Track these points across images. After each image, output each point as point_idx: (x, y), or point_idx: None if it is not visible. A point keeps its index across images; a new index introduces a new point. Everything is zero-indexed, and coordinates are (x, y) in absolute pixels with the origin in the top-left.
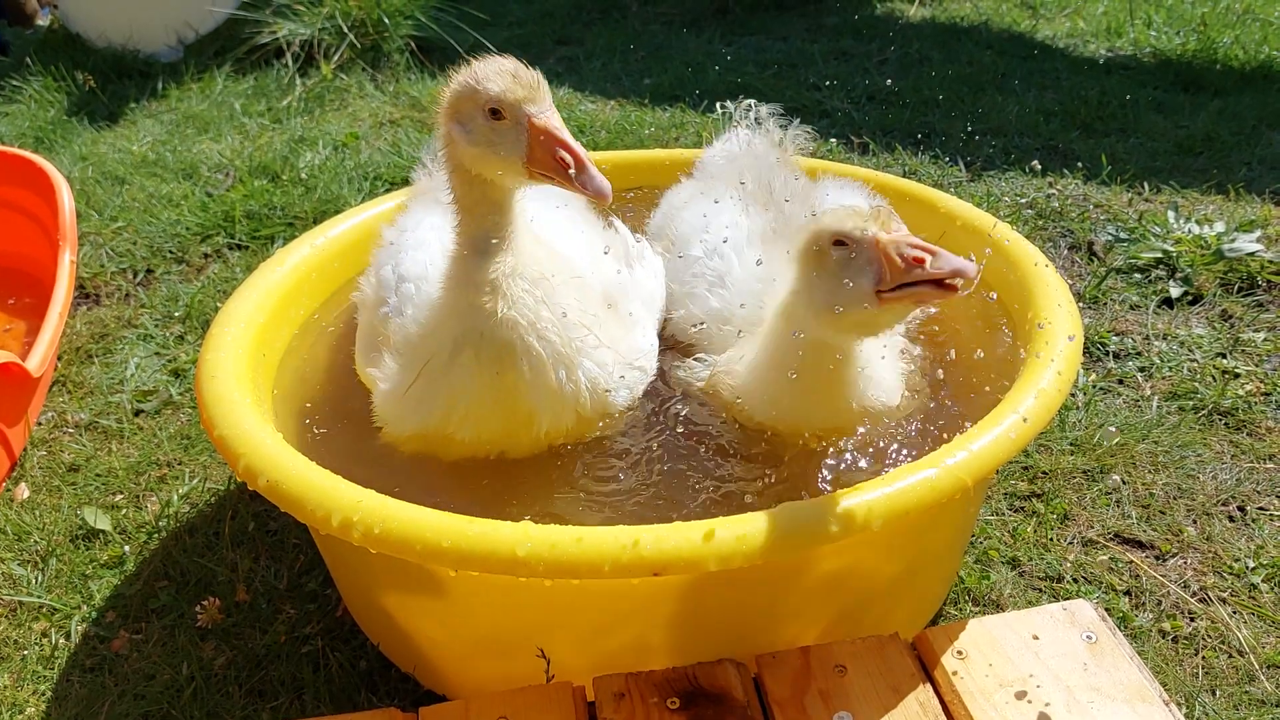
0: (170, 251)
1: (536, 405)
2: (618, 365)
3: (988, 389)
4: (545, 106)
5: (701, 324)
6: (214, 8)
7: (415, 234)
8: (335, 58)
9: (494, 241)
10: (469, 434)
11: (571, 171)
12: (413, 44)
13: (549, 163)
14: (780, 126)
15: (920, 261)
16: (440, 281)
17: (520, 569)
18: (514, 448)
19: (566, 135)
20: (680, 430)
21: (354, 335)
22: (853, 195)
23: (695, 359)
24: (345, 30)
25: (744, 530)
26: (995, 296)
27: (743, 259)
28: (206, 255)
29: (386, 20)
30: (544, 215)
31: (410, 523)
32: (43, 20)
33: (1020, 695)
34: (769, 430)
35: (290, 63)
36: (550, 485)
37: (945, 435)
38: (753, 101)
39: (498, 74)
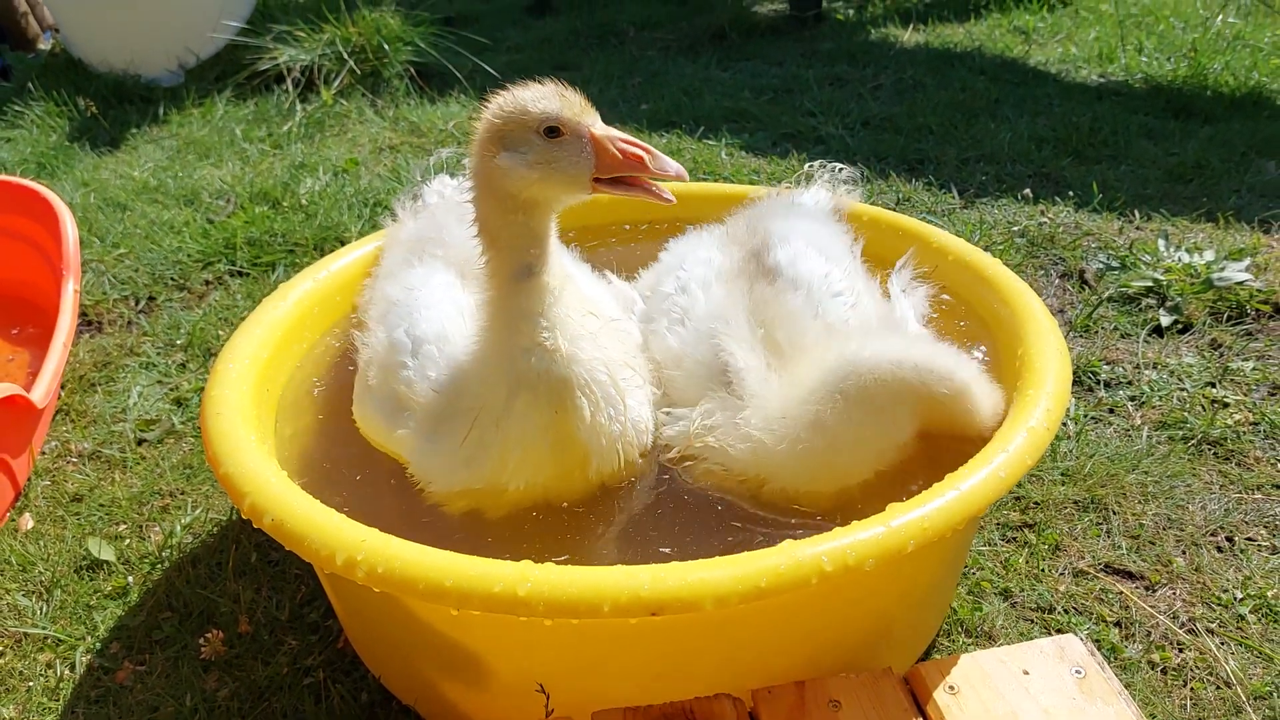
0: (172, 278)
1: (590, 445)
2: (648, 398)
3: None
4: (597, 118)
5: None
6: (214, 33)
7: (424, 293)
8: (335, 83)
9: (536, 271)
10: (522, 482)
11: (647, 160)
12: (412, 70)
13: (620, 163)
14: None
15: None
16: (475, 333)
17: (521, 609)
18: (567, 492)
19: (629, 137)
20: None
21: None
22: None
23: (663, 413)
24: (345, 56)
25: (740, 570)
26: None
27: (709, 295)
28: (208, 282)
29: (386, 46)
30: (572, 270)
31: (413, 563)
32: (44, 44)
33: None
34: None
35: (291, 88)
36: (594, 529)
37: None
38: (838, 165)
39: (548, 95)
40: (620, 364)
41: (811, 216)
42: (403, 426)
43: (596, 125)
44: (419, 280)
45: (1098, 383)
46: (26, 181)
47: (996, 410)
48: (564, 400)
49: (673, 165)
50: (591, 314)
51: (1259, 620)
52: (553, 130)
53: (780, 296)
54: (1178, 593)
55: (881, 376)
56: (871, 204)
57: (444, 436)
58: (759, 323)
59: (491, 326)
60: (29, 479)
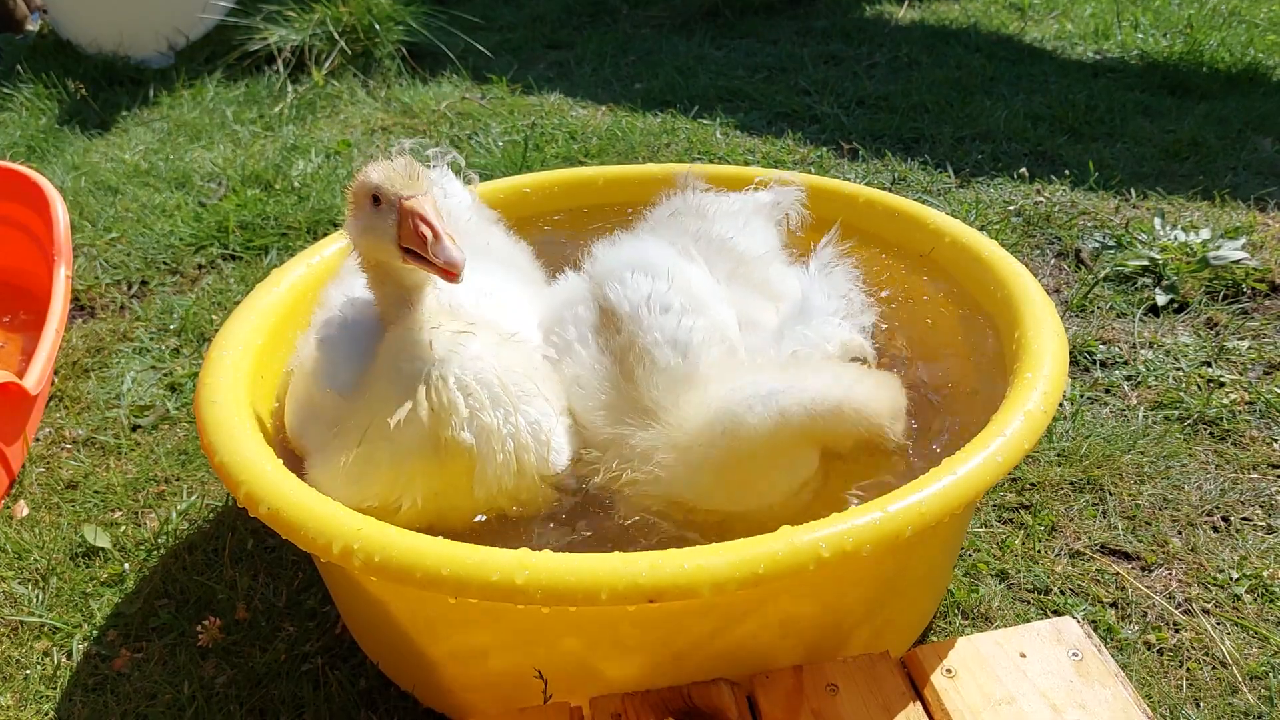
0: (164, 263)
1: (477, 448)
2: (557, 419)
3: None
4: (419, 192)
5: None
6: (204, 14)
7: (358, 300)
8: (326, 64)
9: (414, 303)
10: (413, 497)
11: (429, 243)
12: (404, 50)
13: (411, 237)
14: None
15: (423, 239)
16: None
17: (518, 596)
18: (458, 505)
19: (430, 214)
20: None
21: None
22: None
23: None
24: (336, 36)
25: (738, 556)
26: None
27: (589, 351)
28: (200, 266)
29: (377, 26)
30: (488, 286)
31: (410, 551)
32: (32, 25)
33: (1007, 713)
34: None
35: (281, 69)
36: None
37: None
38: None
39: (379, 168)
40: (517, 373)
41: (659, 225)
42: (306, 436)
43: (415, 199)
44: (360, 288)
45: (1094, 363)
46: (17, 166)
47: (895, 408)
48: (441, 398)
49: (446, 255)
50: (471, 331)
51: (1255, 600)
52: (376, 199)
53: (625, 339)
54: (1174, 573)
55: (760, 429)
56: (867, 184)
57: (335, 451)
58: (622, 374)
59: (383, 342)
60: (23, 466)
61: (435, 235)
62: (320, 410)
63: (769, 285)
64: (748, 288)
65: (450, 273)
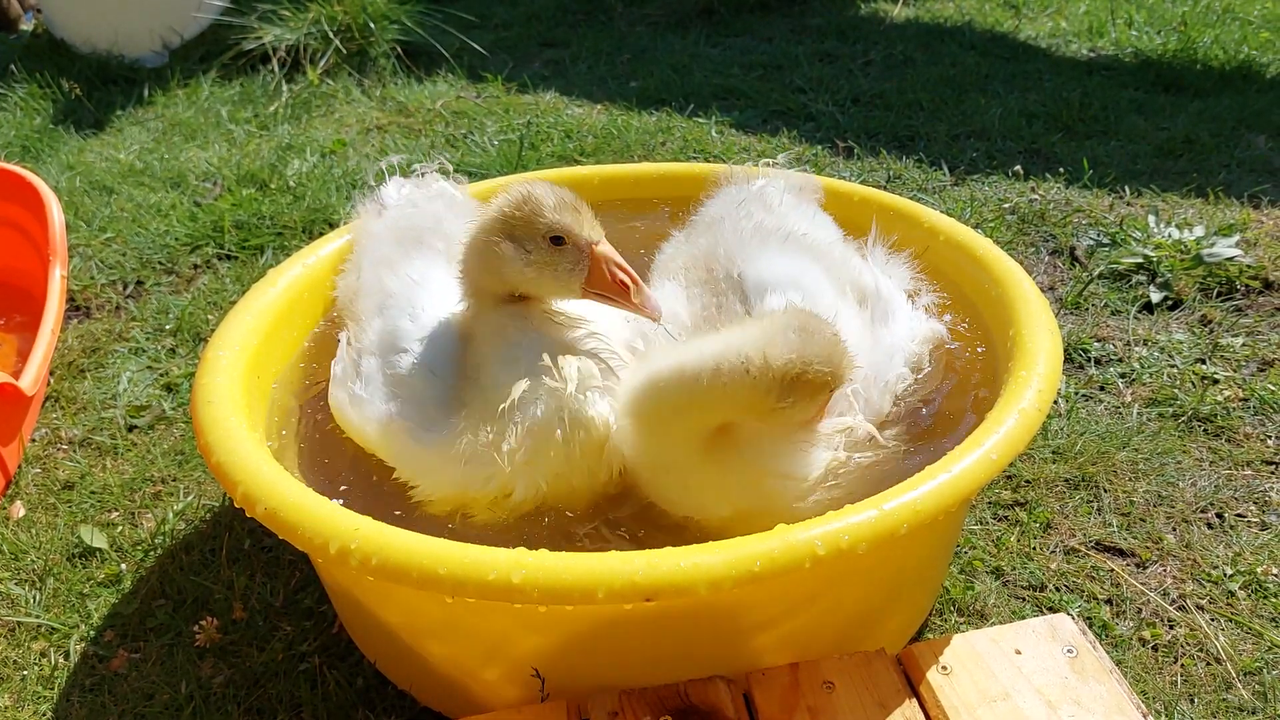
0: (160, 263)
1: (607, 420)
2: None
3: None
4: (600, 235)
5: None
6: (198, 13)
7: (427, 286)
8: (321, 63)
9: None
10: (532, 482)
11: (631, 292)
12: (399, 48)
13: (608, 284)
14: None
15: (624, 288)
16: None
17: (515, 596)
18: (572, 490)
19: (623, 261)
20: None
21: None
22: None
23: None
24: (331, 35)
25: (734, 554)
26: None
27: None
28: (196, 266)
29: (372, 25)
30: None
31: (406, 550)
32: (26, 25)
33: (1003, 710)
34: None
35: (276, 68)
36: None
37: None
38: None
39: (564, 207)
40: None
41: (780, 234)
42: (397, 416)
43: (601, 244)
44: (419, 274)
45: (1088, 360)
46: (12, 166)
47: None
48: (578, 372)
49: (652, 304)
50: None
51: (1249, 596)
52: (558, 239)
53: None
54: (1168, 570)
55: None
56: (863, 182)
57: (447, 430)
58: None
59: (488, 324)
60: (19, 466)
61: (636, 284)
62: (409, 391)
63: (844, 271)
64: (830, 278)
65: (655, 317)
